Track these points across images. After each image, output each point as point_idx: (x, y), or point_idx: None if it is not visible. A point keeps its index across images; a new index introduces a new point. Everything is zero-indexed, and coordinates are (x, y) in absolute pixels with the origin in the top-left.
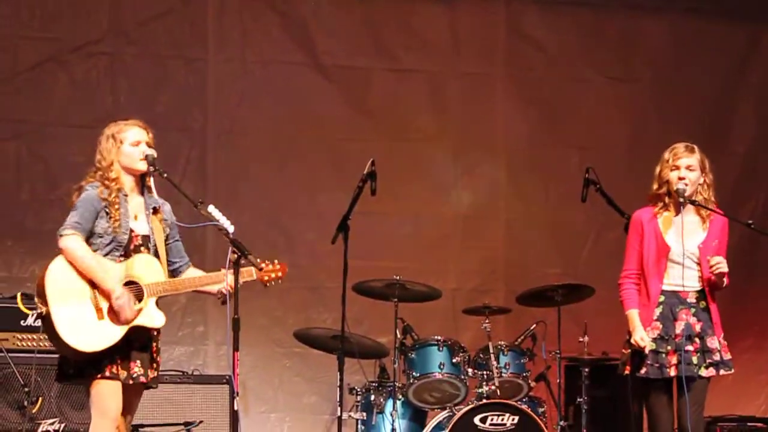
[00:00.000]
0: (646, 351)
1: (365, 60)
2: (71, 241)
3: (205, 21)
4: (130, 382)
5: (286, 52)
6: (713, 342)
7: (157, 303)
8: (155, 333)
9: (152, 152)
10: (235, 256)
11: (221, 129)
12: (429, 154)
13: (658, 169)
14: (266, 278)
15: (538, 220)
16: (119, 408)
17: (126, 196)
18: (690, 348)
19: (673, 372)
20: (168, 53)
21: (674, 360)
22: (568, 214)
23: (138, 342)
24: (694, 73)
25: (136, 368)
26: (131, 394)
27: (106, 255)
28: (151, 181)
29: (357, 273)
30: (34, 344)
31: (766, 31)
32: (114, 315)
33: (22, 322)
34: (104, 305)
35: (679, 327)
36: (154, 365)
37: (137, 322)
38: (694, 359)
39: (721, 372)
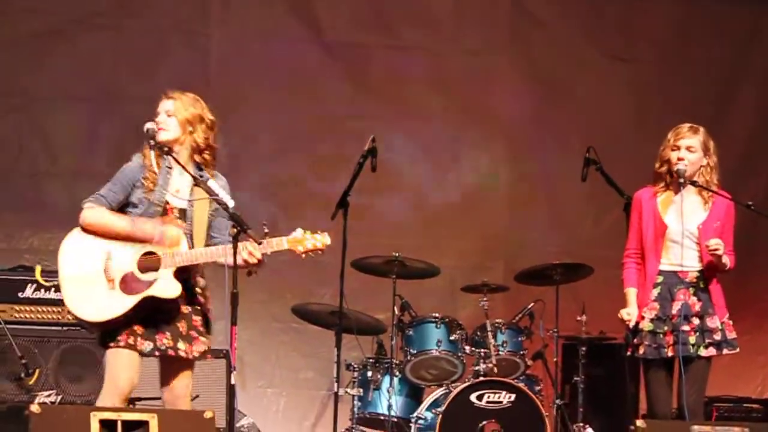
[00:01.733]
0: (630, 326)
1: (368, 37)
2: (89, 211)
3: None
4: (157, 354)
5: (288, 28)
6: (714, 321)
7: (176, 275)
8: (192, 307)
9: (152, 125)
10: (235, 230)
11: (222, 104)
12: (430, 132)
13: (661, 148)
14: (301, 248)
15: (538, 198)
16: (131, 379)
17: (170, 168)
18: (687, 328)
19: (670, 352)
20: (170, 27)
21: (672, 340)
22: (569, 193)
23: (166, 314)
24: (697, 55)
25: (165, 339)
26: (175, 369)
27: None
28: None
29: (356, 249)
30: (32, 316)
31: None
32: (125, 285)
33: (20, 294)
34: (117, 276)
35: (676, 307)
36: (198, 339)
37: (150, 292)
38: (692, 339)
39: (725, 351)
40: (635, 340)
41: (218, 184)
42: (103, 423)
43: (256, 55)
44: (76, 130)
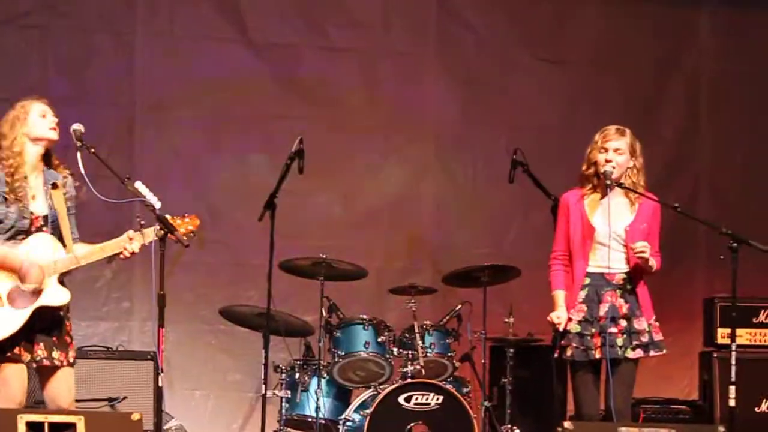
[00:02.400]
0: (560, 329)
1: (296, 37)
2: None
3: None
4: (34, 365)
5: (215, 28)
6: (641, 323)
7: (61, 281)
8: (63, 312)
9: (79, 126)
10: (162, 232)
11: (149, 104)
12: (358, 133)
13: (588, 150)
14: (181, 232)
15: (466, 200)
16: (23, 389)
17: (25, 177)
18: (614, 330)
19: (597, 354)
20: (96, 27)
21: (599, 342)
22: (496, 195)
23: (41, 323)
24: (625, 57)
25: (39, 350)
26: (50, 376)
27: (9, 240)
28: (78, 157)
29: (284, 251)
30: None
31: (701, 16)
32: (12, 300)
33: None
34: (2, 292)
35: (603, 309)
36: (63, 346)
37: (40, 302)
38: (619, 341)
39: (651, 353)
40: (562, 342)
41: (69, 183)
42: (30, 425)
43: (183, 56)
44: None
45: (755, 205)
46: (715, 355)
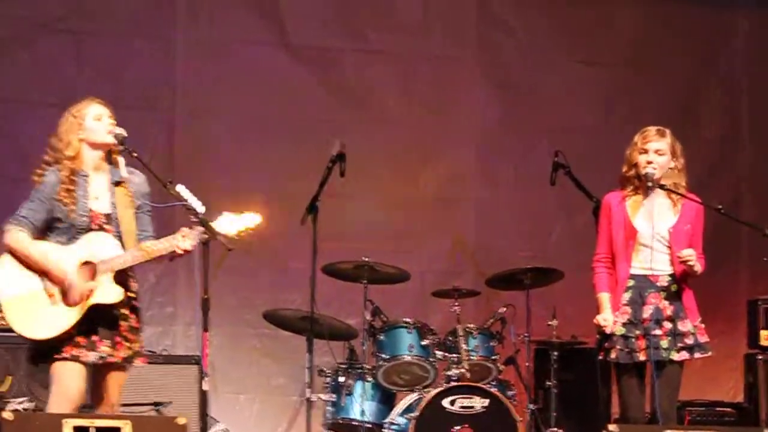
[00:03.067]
0: (607, 332)
1: (335, 41)
2: (10, 238)
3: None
4: (100, 362)
5: (255, 32)
6: (685, 325)
7: (116, 278)
8: (124, 311)
9: (121, 131)
10: (206, 237)
11: (189, 108)
12: (399, 136)
13: (628, 152)
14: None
15: (508, 203)
16: (79, 390)
17: (86, 176)
18: (659, 332)
19: (642, 357)
20: (135, 31)
21: (644, 344)
22: (538, 197)
23: (103, 321)
24: (665, 59)
25: (104, 347)
26: (105, 376)
27: (70, 239)
28: (121, 161)
29: (326, 254)
30: (4, 323)
31: (738, 18)
32: (67, 298)
33: None
34: (56, 290)
35: (647, 311)
36: (122, 344)
37: (93, 300)
38: (664, 343)
39: (696, 355)
40: (607, 345)
41: (137, 180)
42: (77, 430)
43: (223, 60)
44: (42, 136)
45: None
46: (759, 357)
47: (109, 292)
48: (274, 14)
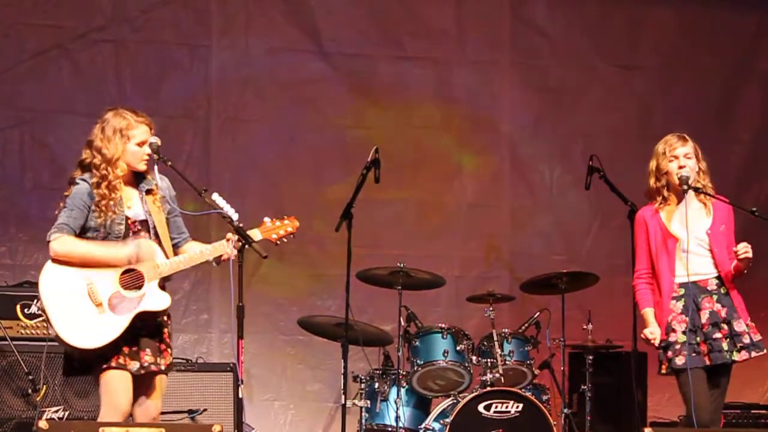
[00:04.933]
0: (656, 344)
1: (370, 47)
2: (58, 243)
3: (208, 8)
4: (142, 372)
5: (290, 40)
6: (740, 325)
7: (161, 285)
8: (164, 318)
9: (156, 140)
10: (240, 244)
11: (225, 116)
12: (433, 142)
13: (654, 163)
14: (274, 236)
15: (543, 207)
16: (129, 399)
17: (120, 184)
18: (719, 335)
19: (708, 361)
20: (172, 40)
21: (706, 349)
22: (572, 201)
23: (146, 329)
24: (700, 61)
25: (147, 357)
26: (146, 384)
27: None
28: (155, 170)
29: (361, 260)
30: (39, 332)
31: None
32: (113, 307)
33: (26, 310)
34: (103, 298)
35: (705, 316)
36: (168, 351)
37: (141, 307)
38: (725, 345)
39: (753, 354)
40: (669, 354)
41: (163, 185)
42: None
43: (258, 67)
44: (80, 145)
45: None
46: None
47: (159, 299)
48: (308, 21)
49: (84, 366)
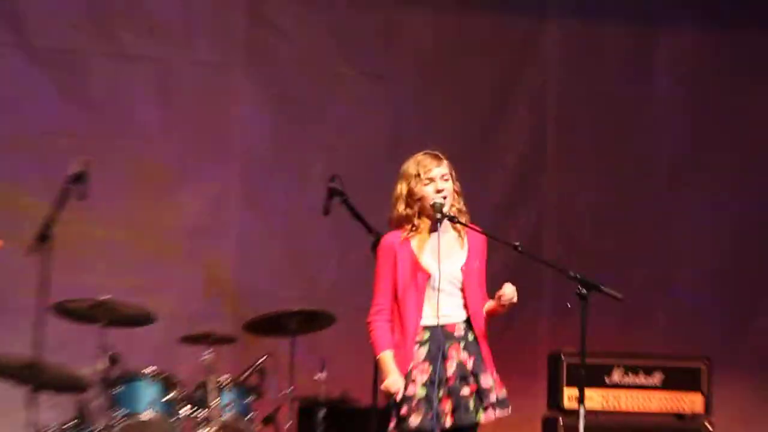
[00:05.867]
0: (398, 398)
1: (83, 43)
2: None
3: None
4: None
5: None
6: (487, 379)
7: None
8: None
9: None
10: None
11: None
12: (152, 154)
13: (403, 188)
14: None
15: (274, 233)
16: None
17: None
18: (466, 392)
19: (450, 421)
20: None
21: (449, 407)
22: (310, 228)
23: None
24: (460, 72)
25: None
26: None
27: None
28: None
29: (59, 290)
30: None
31: (542, 29)
32: None
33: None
34: None
35: (451, 368)
36: None
37: None
38: (471, 404)
39: (497, 414)
40: (403, 411)
41: None
42: None
43: None
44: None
45: (607, 245)
46: (560, 421)
47: None
48: (10, 10)
49: None
